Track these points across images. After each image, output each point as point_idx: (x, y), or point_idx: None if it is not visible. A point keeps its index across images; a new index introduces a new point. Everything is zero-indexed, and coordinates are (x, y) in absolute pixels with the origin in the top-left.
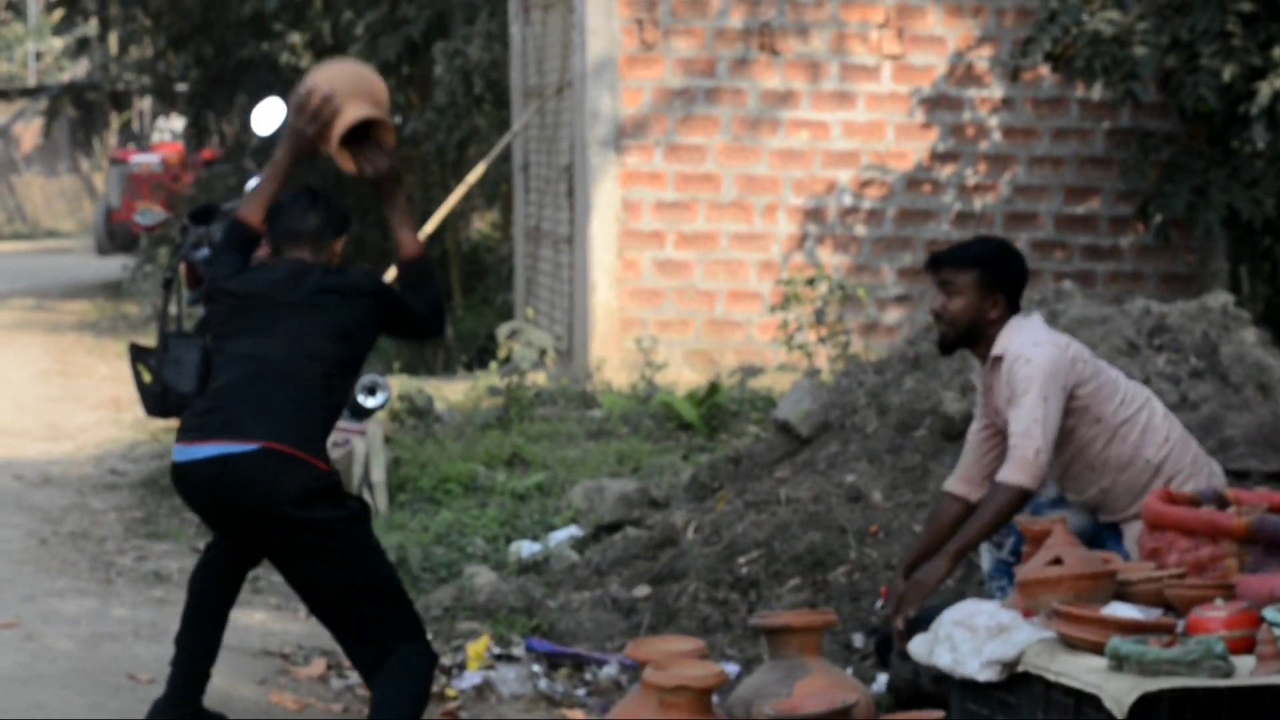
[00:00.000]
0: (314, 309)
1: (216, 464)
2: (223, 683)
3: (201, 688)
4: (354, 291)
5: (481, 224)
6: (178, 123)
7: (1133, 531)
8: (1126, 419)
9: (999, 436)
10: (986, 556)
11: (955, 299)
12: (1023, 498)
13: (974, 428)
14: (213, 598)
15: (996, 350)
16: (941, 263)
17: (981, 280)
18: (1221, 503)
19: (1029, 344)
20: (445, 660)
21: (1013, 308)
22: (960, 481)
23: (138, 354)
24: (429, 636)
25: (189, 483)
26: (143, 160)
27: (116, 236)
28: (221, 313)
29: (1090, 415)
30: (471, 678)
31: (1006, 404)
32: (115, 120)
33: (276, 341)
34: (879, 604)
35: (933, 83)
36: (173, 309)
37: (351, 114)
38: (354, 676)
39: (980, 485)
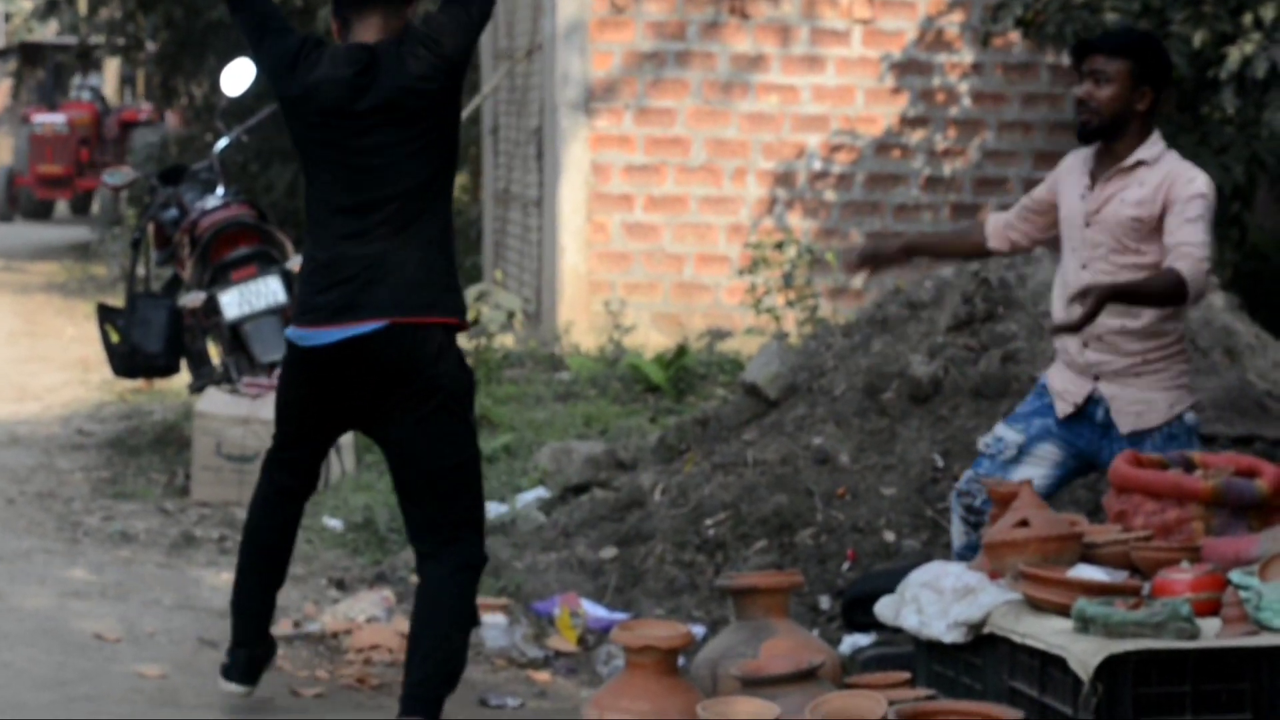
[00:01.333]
0: (393, 123)
1: (345, 347)
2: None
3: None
4: (426, 76)
5: None
6: (95, 80)
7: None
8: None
9: (1044, 222)
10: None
11: (1105, 87)
12: (1180, 292)
13: (1035, 194)
14: (280, 529)
15: (1143, 154)
16: (1093, 49)
17: (1133, 70)
18: (1188, 466)
19: (1199, 174)
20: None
21: (1155, 105)
22: (996, 229)
23: (105, 314)
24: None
25: (315, 364)
26: (46, 120)
27: (19, 202)
28: (297, 132)
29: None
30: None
31: (1141, 203)
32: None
33: (371, 179)
34: (845, 566)
35: (903, 48)
36: (140, 270)
37: None
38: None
39: (1004, 241)
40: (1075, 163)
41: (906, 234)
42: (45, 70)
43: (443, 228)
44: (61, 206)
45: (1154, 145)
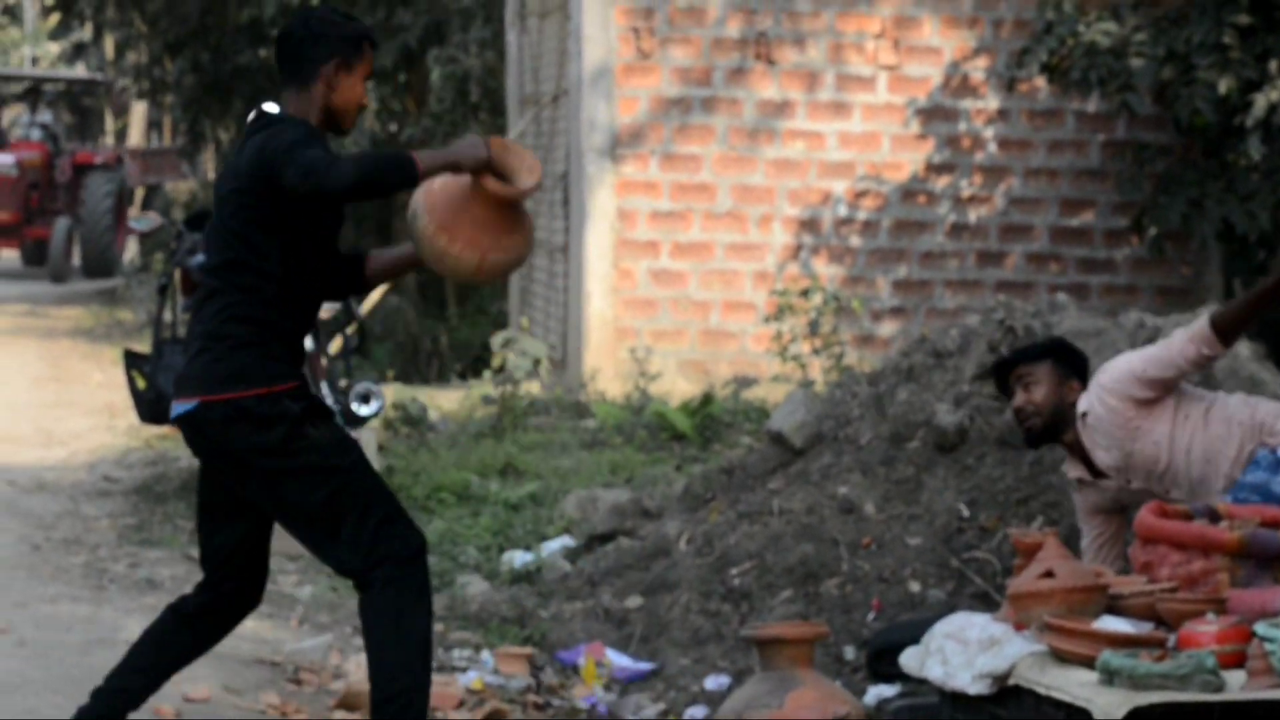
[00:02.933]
0: (216, 202)
1: (180, 422)
2: (215, 692)
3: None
4: (238, 171)
5: None
6: (47, 116)
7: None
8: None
9: (1114, 542)
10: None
11: (1035, 389)
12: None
13: (1086, 540)
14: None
15: (1081, 407)
16: (1014, 363)
17: (1057, 368)
18: (1214, 517)
19: (1126, 359)
20: (441, 675)
21: (1081, 387)
22: None
23: (132, 360)
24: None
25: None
26: None
27: None
28: None
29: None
30: (590, 698)
31: (1115, 444)
32: (112, 123)
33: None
34: (871, 616)
35: (928, 93)
36: (167, 315)
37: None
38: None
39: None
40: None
41: None
42: None
43: (226, 314)
44: (9, 257)
45: (1089, 394)
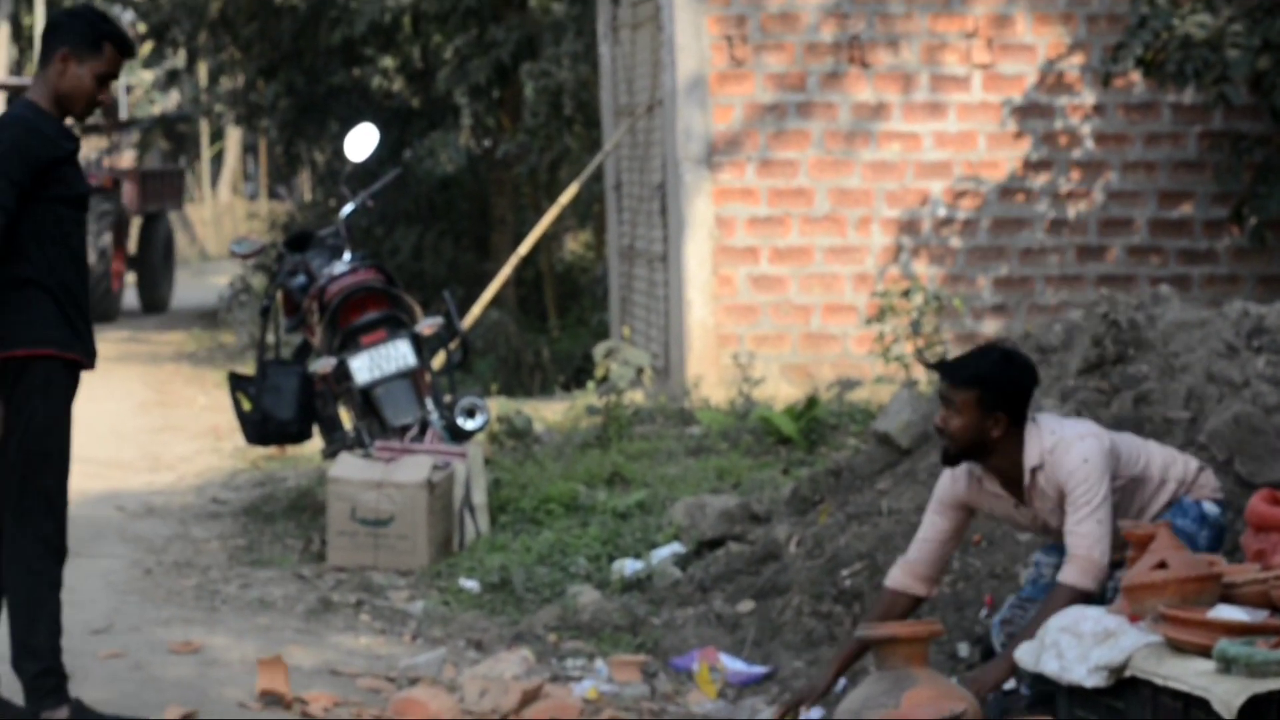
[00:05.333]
0: None
1: None
2: (330, 706)
3: None
4: None
5: (575, 244)
6: None
7: None
8: (1146, 462)
9: (958, 533)
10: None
11: (955, 417)
12: (1084, 599)
13: (939, 527)
14: None
15: (1031, 462)
16: (941, 375)
17: (981, 399)
18: None
19: (1075, 439)
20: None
21: (1018, 419)
22: (911, 578)
23: (237, 382)
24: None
25: None
26: None
27: None
28: None
29: (1129, 491)
30: (709, 704)
31: (1057, 507)
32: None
33: None
34: (983, 613)
35: (1024, 91)
36: (270, 337)
37: None
38: (461, 696)
39: (931, 583)
40: (968, 480)
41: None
42: None
43: None
44: None
45: (1033, 446)
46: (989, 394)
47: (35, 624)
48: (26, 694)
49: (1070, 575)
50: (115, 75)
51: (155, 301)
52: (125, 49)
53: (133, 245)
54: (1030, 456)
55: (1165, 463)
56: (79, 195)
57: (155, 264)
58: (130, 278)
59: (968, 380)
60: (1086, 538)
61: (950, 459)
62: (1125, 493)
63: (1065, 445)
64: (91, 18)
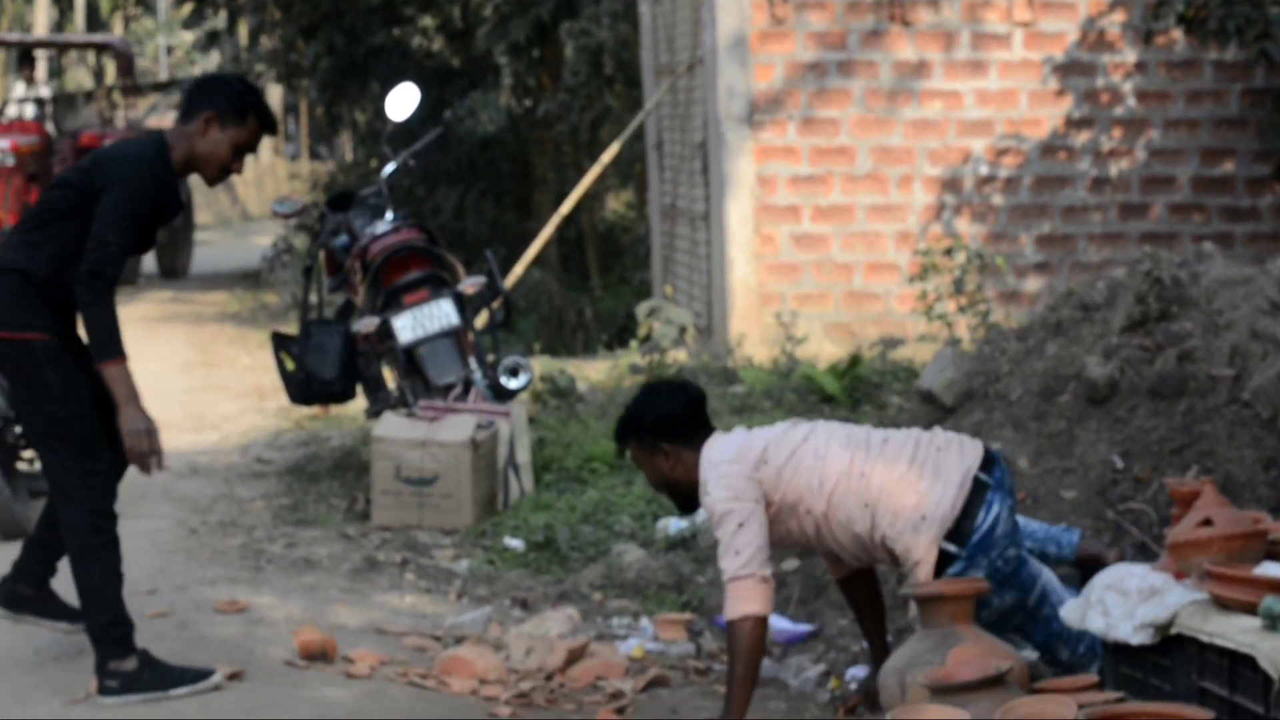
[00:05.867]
0: None
1: None
2: (375, 665)
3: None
4: None
5: (616, 204)
6: (44, 90)
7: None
8: (817, 518)
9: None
10: None
11: (643, 472)
12: (760, 624)
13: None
14: None
15: (700, 494)
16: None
17: (640, 449)
18: None
19: (712, 477)
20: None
21: (689, 442)
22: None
23: (280, 342)
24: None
25: None
26: None
27: None
28: None
29: (801, 508)
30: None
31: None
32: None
33: None
34: None
35: (1065, 49)
36: (313, 297)
37: None
38: (509, 655)
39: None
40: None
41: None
42: None
43: None
44: None
45: (700, 474)
46: (638, 439)
47: (96, 578)
48: (95, 645)
49: (735, 609)
50: (253, 148)
51: (173, 267)
52: (268, 125)
53: None
54: (700, 489)
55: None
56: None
57: (172, 228)
58: None
59: (621, 437)
60: (731, 561)
61: (681, 508)
62: (798, 519)
63: (704, 479)
64: (241, 88)
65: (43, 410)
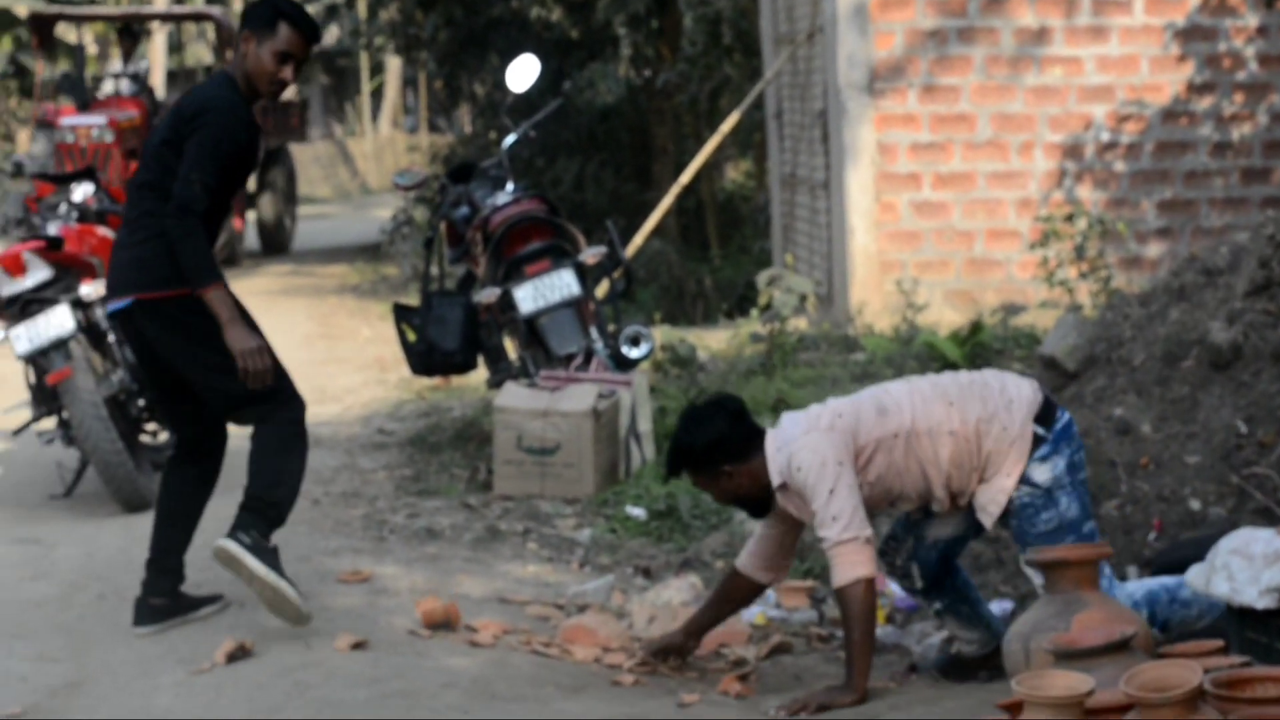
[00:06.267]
0: None
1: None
2: (499, 635)
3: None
4: None
5: (735, 173)
6: (142, 64)
7: (984, 499)
8: (913, 417)
9: (795, 525)
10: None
11: (709, 493)
12: (870, 585)
13: (773, 527)
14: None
15: (775, 481)
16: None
17: (700, 476)
18: None
19: (789, 454)
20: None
21: (745, 455)
22: (756, 568)
23: (402, 314)
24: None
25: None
26: (79, 124)
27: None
28: None
29: (880, 463)
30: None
31: (809, 512)
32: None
33: None
34: (1152, 536)
35: (1186, 14)
36: (434, 268)
37: None
38: (630, 622)
39: (778, 570)
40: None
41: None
42: (75, 54)
43: None
44: None
45: (772, 466)
46: (695, 470)
47: (294, 463)
48: (248, 512)
49: (845, 574)
50: (296, 55)
51: (276, 242)
52: (303, 27)
53: (251, 183)
54: (773, 477)
55: (939, 421)
56: (247, 170)
57: (276, 203)
58: (251, 216)
59: (674, 468)
60: (831, 529)
61: (755, 514)
62: (888, 450)
63: (790, 458)
64: (269, 1)
65: (222, 349)
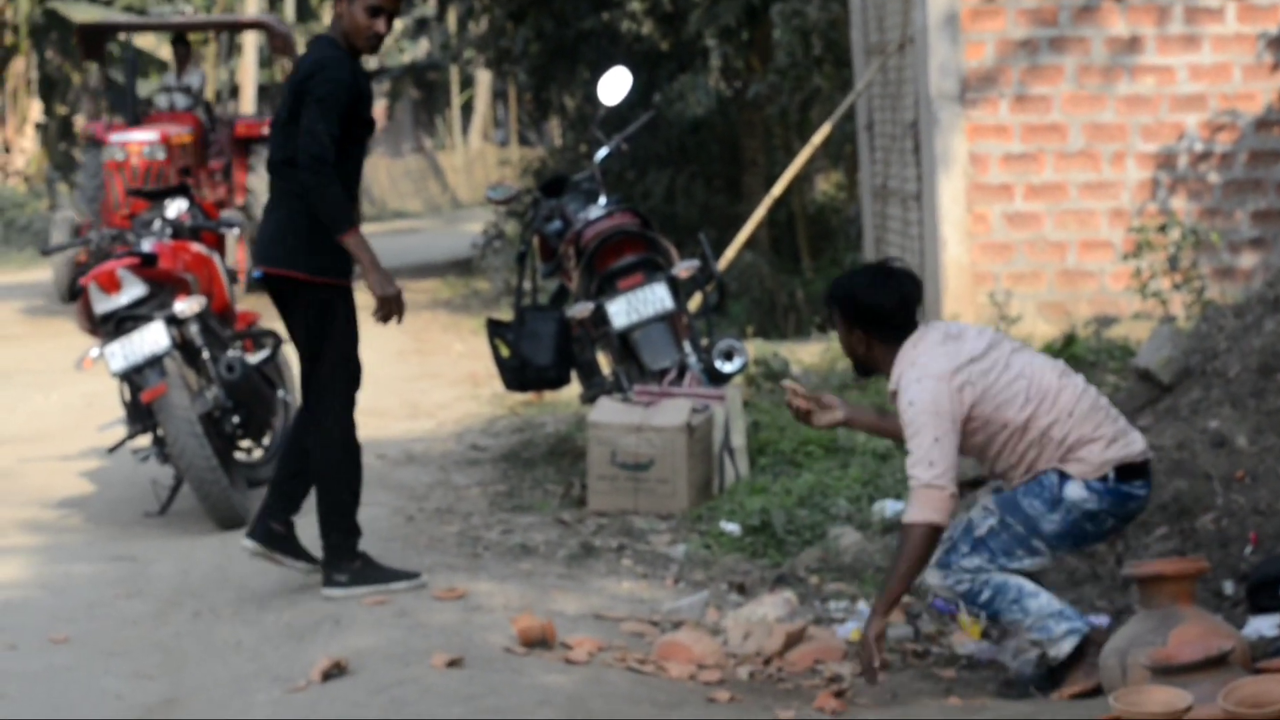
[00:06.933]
0: None
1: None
2: (594, 651)
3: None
4: None
5: (826, 185)
6: (196, 78)
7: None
8: (1030, 414)
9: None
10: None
11: (839, 332)
12: (935, 533)
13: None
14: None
15: (891, 384)
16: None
17: (841, 317)
18: None
19: (913, 380)
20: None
21: (889, 338)
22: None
23: (495, 329)
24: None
25: None
26: (129, 139)
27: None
28: None
29: (995, 424)
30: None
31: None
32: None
33: None
34: (1248, 549)
35: (1279, 22)
36: (527, 283)
37: None
38: (728, 643)
39: None
40: None
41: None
42: (126, 65)
43: None
44: None
45: (896, 369)
46: (842, 312)
47: (345, 493)
48: (328, 549)
49: (915, 513)
50: (385, 7)
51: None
52: None
53: None
54: (892, 378)
55: (1051, 419)
56: (367, 124)
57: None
58: None
59: (829, 298)
60: (925, 471)
61: (856, 372)
62: (983, 431)
63: (907, 382)
64: None
65: (338, 345)
